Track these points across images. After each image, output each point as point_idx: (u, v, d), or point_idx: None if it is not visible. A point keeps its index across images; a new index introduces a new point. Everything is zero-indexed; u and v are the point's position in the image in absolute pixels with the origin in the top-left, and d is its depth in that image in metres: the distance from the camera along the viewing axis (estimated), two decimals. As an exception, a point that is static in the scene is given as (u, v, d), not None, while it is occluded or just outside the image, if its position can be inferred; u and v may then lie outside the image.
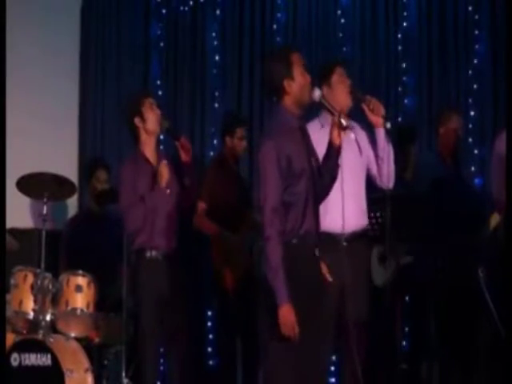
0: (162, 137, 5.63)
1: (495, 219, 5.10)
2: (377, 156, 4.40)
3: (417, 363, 5.77)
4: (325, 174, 3.78)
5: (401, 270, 5.50)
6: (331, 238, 4.17)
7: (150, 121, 4.65)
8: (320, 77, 4.53)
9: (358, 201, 4.51)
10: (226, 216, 5.65)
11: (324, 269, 3.81)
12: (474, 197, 5.75)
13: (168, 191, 4.59)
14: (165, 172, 4.53)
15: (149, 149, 4.69)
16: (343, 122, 3.63)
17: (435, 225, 5.30)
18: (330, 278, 3.79)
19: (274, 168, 3.64)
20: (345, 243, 4.16)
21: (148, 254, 4.57)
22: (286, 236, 3.65)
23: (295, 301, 3.59)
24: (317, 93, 3.74)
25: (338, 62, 4.61)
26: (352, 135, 4.18)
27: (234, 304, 5.67)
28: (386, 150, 3.94)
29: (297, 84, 3.71)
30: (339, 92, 4.46)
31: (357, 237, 4.40)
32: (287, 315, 3.58)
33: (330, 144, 3.72)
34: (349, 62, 4.23)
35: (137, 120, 4.66)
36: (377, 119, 3.92)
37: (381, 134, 4.00)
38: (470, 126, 6.37)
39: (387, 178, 4.00)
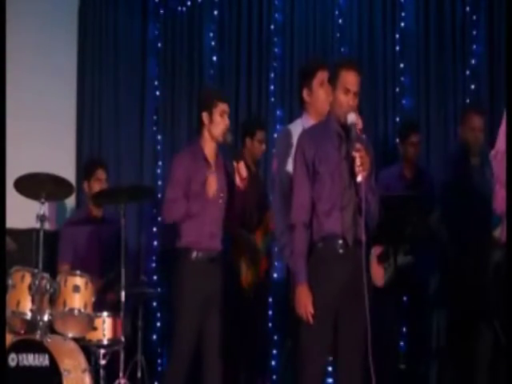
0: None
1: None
2: None
3: (415, 363, 5.77)
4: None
5: (399, 271, 5.49)
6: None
7: (217, 125, 4.60)
8: (301, 79, 4.55)
9: None
10: (244, 216, 5.62)
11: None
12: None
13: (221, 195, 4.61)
14: (213, 183, 4.52)
15: (209, 149, 4.66)
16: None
17: (443, 225, 5.29)
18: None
19: (302, 164, 3.94)
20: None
21: (194, 255, 4.53)
22: (312, 236, 3.88)
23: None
24: (349, 117, 3.92)
25: (320, 66, 4.59)
26: None
27: (249, 304, 5.65)
28: None
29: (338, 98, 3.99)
30: (319, 96, 4.46)
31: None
32: (302, 295, 3.80)
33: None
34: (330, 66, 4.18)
35: (204, 115, 4.61)
36: None
37: None
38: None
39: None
